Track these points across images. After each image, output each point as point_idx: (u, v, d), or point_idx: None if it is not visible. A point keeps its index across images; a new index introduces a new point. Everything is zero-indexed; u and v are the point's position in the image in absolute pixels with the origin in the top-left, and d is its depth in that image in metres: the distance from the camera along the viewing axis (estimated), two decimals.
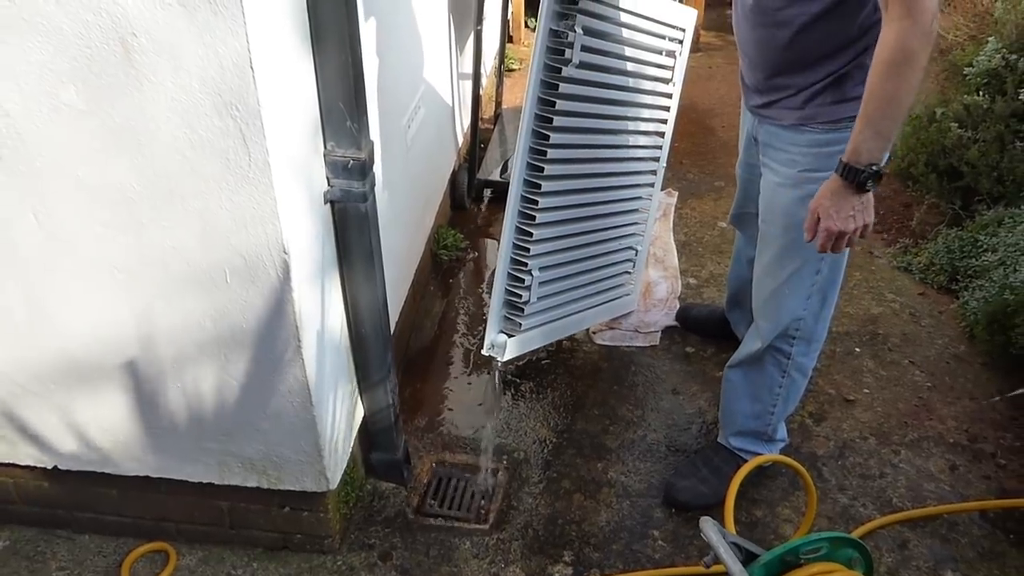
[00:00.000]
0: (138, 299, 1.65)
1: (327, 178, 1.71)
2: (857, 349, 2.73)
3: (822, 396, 2.54)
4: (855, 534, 2.09)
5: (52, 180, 1.50)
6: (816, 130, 1.81)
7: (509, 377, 2.60)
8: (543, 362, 2.68)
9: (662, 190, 3.39)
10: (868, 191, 1.61)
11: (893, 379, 2.61)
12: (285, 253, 1.56)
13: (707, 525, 1.47)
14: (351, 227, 1.78)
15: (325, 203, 1.73)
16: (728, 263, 3.12)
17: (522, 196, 2.18)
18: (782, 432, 2.24)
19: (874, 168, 1.58)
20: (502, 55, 3.88)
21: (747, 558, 1.53)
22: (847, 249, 1.92)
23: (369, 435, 2.17)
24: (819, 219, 1.67)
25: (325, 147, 1.67)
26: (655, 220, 3.07)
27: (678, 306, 2.90)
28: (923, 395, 2.55)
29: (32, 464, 1.96)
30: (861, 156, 1.58)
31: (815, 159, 1.81)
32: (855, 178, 1.59)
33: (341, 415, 1.95)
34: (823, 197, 1.66)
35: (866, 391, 2.57)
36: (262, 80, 1.37)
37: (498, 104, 3.96)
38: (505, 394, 2.56)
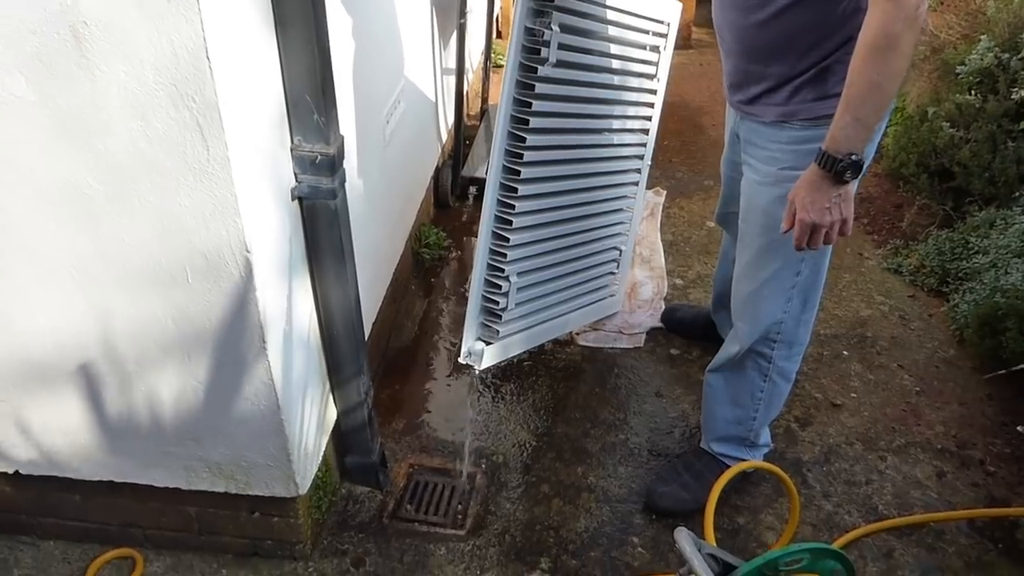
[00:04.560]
0: (97, 298, 1.59)
1: (295, 174, 1.65)
2: (845, 352, 2.68)
3: (808, 400, 2.49)
4: (839, 542, 2.04)
5: (2, 174, 1.44)
6: (796, 127, 1.75)
7: (489, 379, 2.55)
8: (524, 363, 2.62)
9: (649, 189, 3.35)
10: (846, 183, 1.56)
11: (881, 383, 2.56)
12: (248, 251, 1.50)
13: (681, 536, 1.41)
14: (320, 224, 1.72)
15: (293, 199, 1.67)
16: (716, 264, 3.08)
17: (498, 200, 2.13)
18: (766, 437, 2.19)
19: (853, 158, 1.52)
20: (488, 50, 3.82)
21: (724, 570, 1.48)
22: (829, 250, 1.88)
23: (343, 438, 2.11)
24: (796, 211, 1.62)
25: (292, 141, 1.61)
26: (641, 219, 3.03)
27: (664, 307, 2.85)
28: (911, 400, 2.50)
29: None
30: (840, 145, 1.52)
31: (795, 156, 1.76)
32: (833, 167, 1.54)
33: (311, 419, 1.90)
34: (800, 188, 1.61)
35: (853, 395, 2.52)
36: (219, 70, 1.31)
37: (484, 100, 3.90)
38: (484, 396, 2.50)
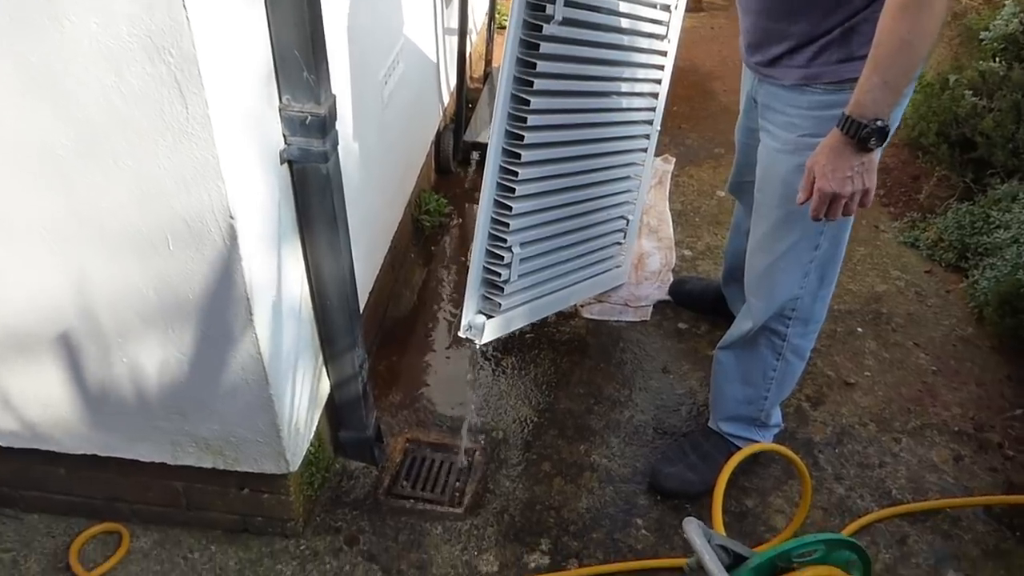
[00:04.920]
0: (73, 265, 1.50)
1: (283, 135, 1.55)
2: (859, 329, 2.58)
3: (821, 378, 2.40)
4: (851, 528, 1.97)
5: None
6: (819, 90, 1.65)
7: (490, 352, 2.46)
8: (526, 336, 2.53)
9: (658, 156, 3.24)
10: (870, 150, 1.46)
11: (896, 362, 2.47)
12: (231, 217, 1.40)
13: (690, 526, 1.33)
14: (311, 190, 1.62)
15: (282, 163, 1.57)
16: (727, 235, 2.97)
17: (501, 167, 2.03)
18: (777, 417, 2.11)
19: (879, 124, 1.42)
20: (492, 10, 3.68)
21: (734, 561, 1.40)
22: (849, 223, 1.79)
23: (337, 412, 2.04)
24: (815, 179, 1.52)
25: (280, 100, 1.51)
26: (649, 188, 2.92)
27: (671, 279, 2.76)
28: (927, 380, 2.41)
29: None
30: (866, 109, 1.42)
31: (816, 122, 1.65)
32: (857, 133, 1.43)
33: (303, 393, 1.82)
34: (820, 154, 1.51)
35: (867, 374, 2.43)
36: (198, 21, 1.21)
37: (488, 62, 3.77)
38: (485, 369, 2.42)
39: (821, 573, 1.42)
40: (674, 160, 3.40)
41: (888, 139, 1.48)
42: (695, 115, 3.78)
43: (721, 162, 3.42)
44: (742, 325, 1.96)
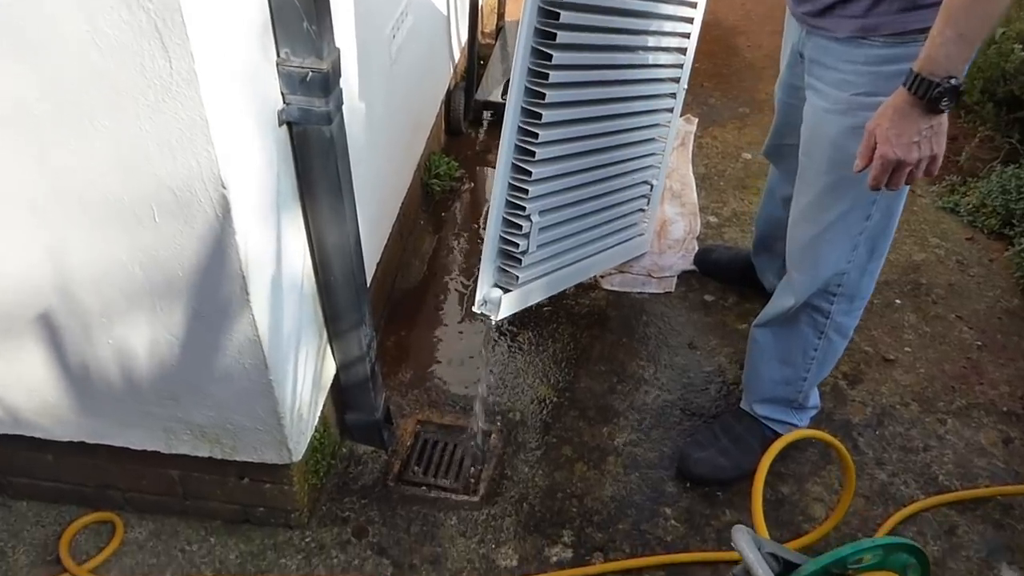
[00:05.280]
0: (52, 239, 1.35)
1: (282, 94, 1.39)
2: (897, 301, 2.43)
3: (858, 354, 2.25)
4: (896, 518, 1.84)
5: None
6: (876, 43, 1.47)
7: (505, 327, 2.31)
8: (543, 309, 2.38)
9: (680, 116, 3.06)
10: (941, 112, 1.30)
11: (938, 336, 2.32)
12: (223, 186, 1.25)
13: (740, 535, 1.19)
14: (313, 154, 1.46)
15: (280, 125, 1.41)
16: (754, 200, 2.81)
17: (519, 127, 1.86)
18: (815, 398, 1.97)
19: (952, 82, 1.27)
20: None
21: (784, 569, 1.27)
22: (905, 191, 1.63)
23: (343, 393, 1.90)
24: (875, 145, 1.36)
25: (278, 55, 1.34)
26: (672, 150, 2.75)
27: (696, 248, 2.59)
28: (972, 355, 2.26)
29: None
30: (938, 65, 1.26)
31: (872, 80, 1.49)
32: (927, 93, 1.27)
33: (305, 377, 1.67)
34: (883, 117, 1.34)
35: (907, 350, 2.28)
36: None
37: (500, 16, 3.57)
38: (500, 346, 2.28)
39: None
40: (696, 120, 3.22)
41: (960, 97, 1.32)
42: (718, 72, 3.58)
43: (746, 122, 3.23)
44: (782, 301, 1.81)
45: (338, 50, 1.39)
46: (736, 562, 1.76)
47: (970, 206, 2.72)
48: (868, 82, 1.49)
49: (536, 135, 1.85)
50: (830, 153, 1.59)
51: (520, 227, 1.91)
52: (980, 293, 2.46)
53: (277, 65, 1.35)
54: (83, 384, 1.57)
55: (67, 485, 1.83)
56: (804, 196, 1.69)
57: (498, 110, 3.17)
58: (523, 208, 1.90)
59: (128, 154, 1.23)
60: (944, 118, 1.33)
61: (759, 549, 1.20)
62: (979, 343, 2.30)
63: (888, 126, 1.32)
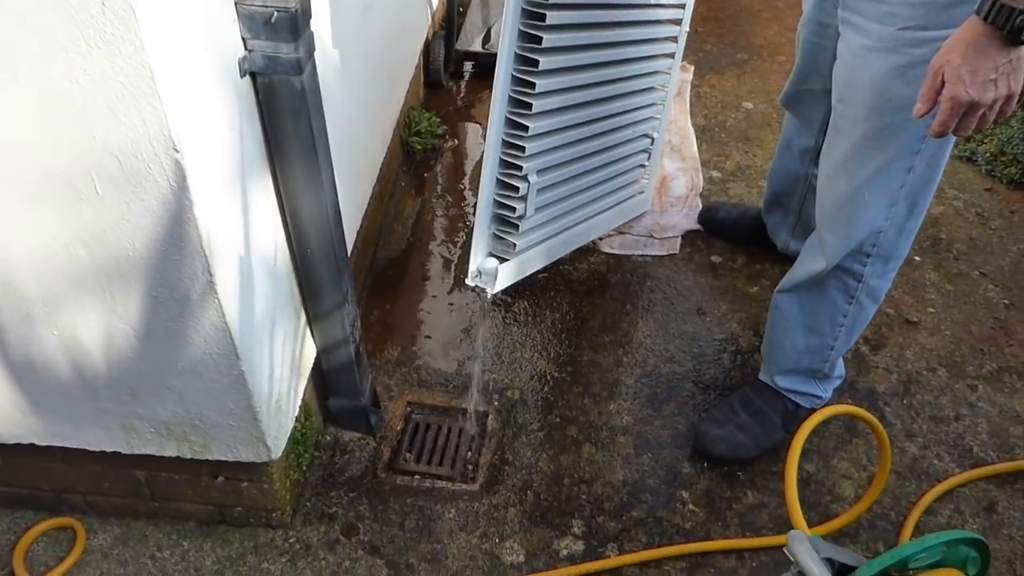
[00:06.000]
0: None
1: (243, 39, 1.19)
2: (917, 258, 2.27)
3: (879, 316, 2.09)
4: (932, 494, 1.70)
5: None
6: None
7: (499, 296, 2.13)
8: (539, 276, 2.19)
9: None
10: (1023, 43, 1.12)
11: (962, 295, 2.17)
12: (175, 150, 1.05)
13: (797, 543, 1.04)
14: (282, 110, 1.26)
15: (243, 76, 1.21)
16: (758, 152, 2.64)
17: (514, 76, 1.66)
18: (840, 368, 1.81)
19: None
20: None
21: (840, 571, 1.12)
22: (952, 140, 1.45)
23: (326, 378, 1.72)
24: (943, 83, 1.17)
25: None
26: None
27: (700, 205, 2.42)
28: (999, 315, 2.11)
29: None
30: None
31: (925, 12, 1.30)
32: (1008, 22, 1.08)
33: (283, 365, 1.49)
34: (953, 52, 1.15)
35: (931, 310, 2.12)
36: None
37: None
38: (494, 317, 2.09)
39: None
40: (693, 68, 3.02)
41: None
42: (713, 16, 3.37)
43: (745, 69, 3.04)
44: (811, 265, 1.63)
45: None
46: (760, 548, 1.63)
47: (988, 155, 2.55)
48: (920, 14, 1.30)
49: (533, 85, 1.65)
50: (870, 98, 1.40)
51: (517, 189, 1.72)
52: (1003, 247, 2.31)
53: (236, 4, 1.14)
54: (27, 380, 1.38)
55: (21, 490, 1.65)
56: (838, 148, 1.50)
57: (480, 60, 2.96)
58: (519, 168, 1.71)
59: (59, 115, 1.02)
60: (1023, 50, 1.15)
61: (819, 554, 1.05)
62: (1006, 301, 2.15)
63: (960, 62, 1.13)
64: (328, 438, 1.81)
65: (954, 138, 1.40)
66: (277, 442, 1.49)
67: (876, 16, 1.36)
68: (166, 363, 1.33)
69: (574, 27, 1.71)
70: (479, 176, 1.73)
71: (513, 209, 1.74)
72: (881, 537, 1.64)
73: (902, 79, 1.34)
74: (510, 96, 1.67)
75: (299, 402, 1.61)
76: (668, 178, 2.50)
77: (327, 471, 1.75)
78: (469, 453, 1.81)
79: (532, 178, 1.73)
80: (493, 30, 3.06)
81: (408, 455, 1.80)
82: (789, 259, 2.09)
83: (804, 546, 1.02)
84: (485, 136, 1.69)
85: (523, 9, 1.60)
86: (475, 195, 1.83)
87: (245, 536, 1.64)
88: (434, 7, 2.91)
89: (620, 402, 1.90)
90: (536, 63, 1.64)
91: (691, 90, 2.91)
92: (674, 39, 2.13)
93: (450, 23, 2.86)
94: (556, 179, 1.86)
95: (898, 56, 1.34)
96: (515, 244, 1.78)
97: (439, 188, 2.53)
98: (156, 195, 1.10)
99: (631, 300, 2.15)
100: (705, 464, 1.78)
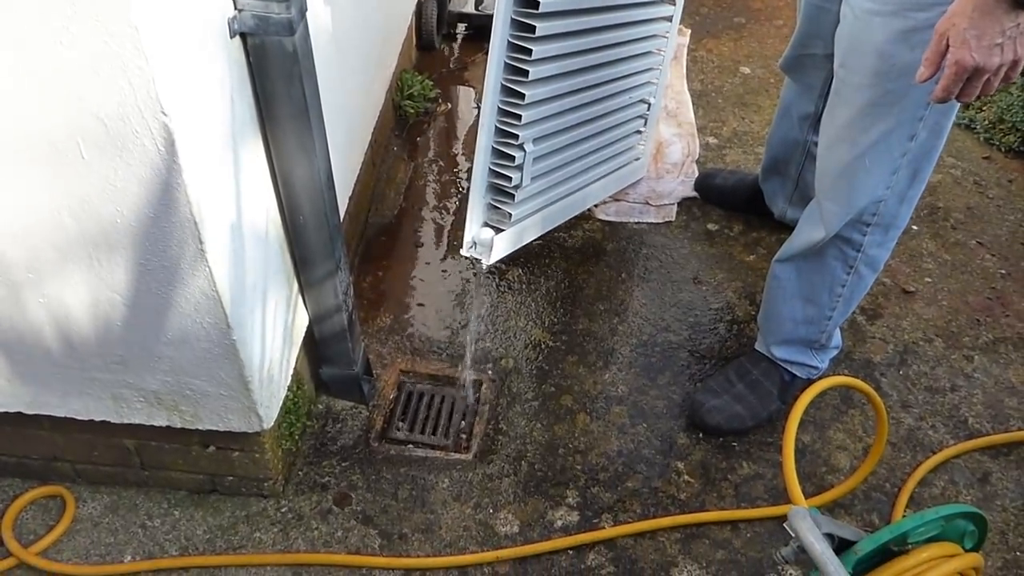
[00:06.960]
0: None
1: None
2: (914, 227, 2.25)
3: (875, 286, 2.07)
4: (927, 465, 1.70)
5: None
6: None
7: (493, 264, 2.10)
8: (533, 243, 2.16)
9: None
10: None
11: (959, 264, 2.16)
12: (163, 113, 1.01)
13: (798, 517, 1.03)
14: (274, 72, 1.22)
15: (232, 36, 1.17)
16: (755, 119, 2.60)
17: (510, 43, 1.61)
18: (837, 338, 1.80)
19: None
20: None
21: (840, 546, 1.11)
22: (956, 107, 1.42)
23: (319, 347, 1.69)
24: (947, 47, 1.14)
25: None
26: None
27: (696, 172, 2.39)
28: (996, 285, 2.10)
29: None
30: None
31: None
32: None
33: (275, 334, 1.46)
34: (959, 15, 1.12)
35: (928, 280, 2.11)
36: None
37: None
38: (488, 284, 2.07)
39: (937, 553, 1.15)
40: (689, 32, 2.97)
41: None
42: None
43: (742, 33, 2.99)
44: (810, 234, 1.61)
45: None
46: (756, 519, 1.63)
47: (986, 122, 2.53)
48: None
49: (529, 51, 1.61)
50: (874, 63, 1.37)
51: (513, 158, 1.69)
52: (1001, 217, 2.29)
53: None
54: (14, 348, 1.35)
55: (9, 458, 1.63)
56: (840, 115, 1.47)
57: (473, 22, 2.90)
58: (515, 136, 1.67)
59: (43, 76, 0.98)
60: None
61: (820, 529, 1.04)
62: (1003, 271, 2.14)
63: (967, 26, 1.10)
64: (320, 407, 1.79)
65: (958, 105, 1.38)
66: (269, 412, 1.47)
67: None
68: (156, 332, 1.30)
69: None
70: (472, 141, 1.70)
71: (509, 179, 1.71)
72: (876, 508, 1.64)
73: (906, 44, 1.30)
74: (506, 63, 1.63)
75: (291, 371, 1.59)
76: (664, 144, 2.47)
77: (319, 440, 1.73)
78: (462, 422, 1.80)
79: (528, 147, 1.70)
80: None
81: (401, 424, 1.79)
82: (786, 227, 2.08)
83: (806, 522, 1.01)
84: (478, 101, 1.65)
85: None
86: (468, 160, 1.80)
87: (237, 506, 1.63)
88: None
89: (615, 371, 1.89)
90: (532, 28, 1.60)
91: (687, 54, 2.87)
92: (672, 1, 2.08)
93: None
94: (552, 147, 1.82)
95: (903, 20, 1.31)
96: (511, 214, 1.75)
97: (432, 153, 2.49)
98: (144, 160, 1.06)
99: (626, 268, 2.13)
100: (700, 435, 1.77)
